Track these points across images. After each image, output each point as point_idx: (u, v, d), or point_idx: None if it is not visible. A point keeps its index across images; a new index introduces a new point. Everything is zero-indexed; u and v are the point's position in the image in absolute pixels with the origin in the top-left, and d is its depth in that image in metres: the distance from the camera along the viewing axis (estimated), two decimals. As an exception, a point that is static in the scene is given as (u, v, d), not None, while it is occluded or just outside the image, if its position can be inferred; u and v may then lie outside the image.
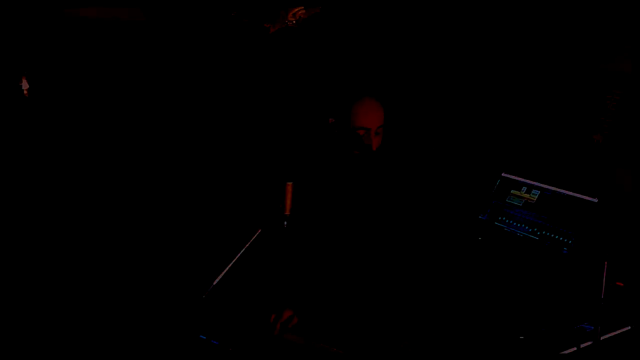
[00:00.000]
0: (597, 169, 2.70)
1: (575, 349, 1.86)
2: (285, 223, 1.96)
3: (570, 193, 2.69)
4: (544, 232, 2.69)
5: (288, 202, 1.95)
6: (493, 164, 3.05)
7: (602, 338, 1.68)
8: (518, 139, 3.06)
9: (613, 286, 2.22)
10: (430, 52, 3.43)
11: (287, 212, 1.96)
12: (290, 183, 1.94)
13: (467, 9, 3.26)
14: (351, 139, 2.29)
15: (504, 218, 2.85)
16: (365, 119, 2.30)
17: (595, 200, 2.60)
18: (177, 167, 3.26)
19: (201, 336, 1.90)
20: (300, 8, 3.24)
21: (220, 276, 1.87)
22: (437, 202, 2.44)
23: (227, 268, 1.88)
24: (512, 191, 2.89)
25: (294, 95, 3.62)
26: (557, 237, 2.64)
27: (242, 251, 1.90)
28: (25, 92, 2.84)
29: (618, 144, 2.63)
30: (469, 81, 3.32)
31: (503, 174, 2.96)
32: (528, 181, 2.85)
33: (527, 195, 2.82)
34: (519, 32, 3.06)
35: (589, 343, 1.86)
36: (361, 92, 2.39)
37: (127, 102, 3.13)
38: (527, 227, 2.76)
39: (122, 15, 3.06)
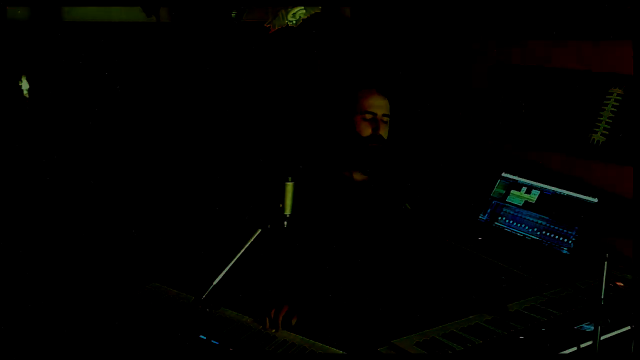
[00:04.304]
0: (597, 169, 2.70)
1: (575, 349, 1.86)
2: (285, 223, 1.96)
3: (570, 193, 2.69)
4: (544, 232, 2.69)
5: (288, 202, 1.95)
6: (493, 164, 3.05)
7: (602, 338, 1.68)
8: (518, 138, 3.06)
9: (613, 286, 2.22)
10: (428, 53, 3.43)
11: (287, 212, 1.95)
12: (290, 183, 1.94)
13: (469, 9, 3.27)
14: (357, 126, 2.28)
15: (504, 218, 2.85)
16: (373, 103, 2.30)
17: (595, 200, 2.60)
18: (177, 167, 3.26)
19: (201, 336, 1.89)
20: (300, 8, 3.24)
21: (220, 276, 1.87)
22: (437, 202, 2.45)
23: (227, 268, 1.88)
24: (512, 191, 2.89)
25: (294, 95, 3.62)
26: (557, 237, 2.64)
27: (242, 251, 1.90)
28: (25, 92, 2.84)
29: (618, 144, 2.63)
30: (468, 81, 3.32)
31: (503, 174, 2.96)
32: (528, 181, 2.85)
33: (527, 195, 2.83)
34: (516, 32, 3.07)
35: (589, 343, 1.86)
36: (365, 83, 2.39)
37: (127, 102, 3.13)
38: (527, 227, 2.76)
39: (121, 15, 3.06)
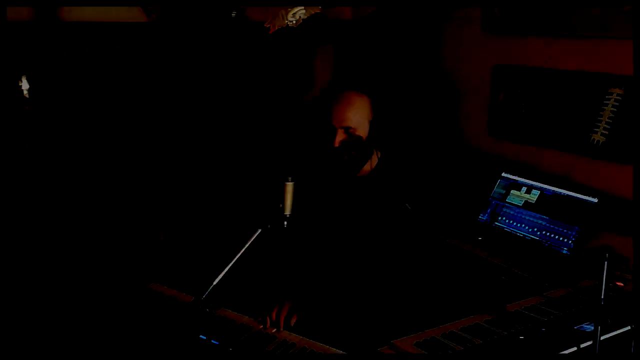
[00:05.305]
0: (597, 168, 2.70)
1: (575, 349, 1.86)
2: (285, 223, 1.96)
3: (570, 193, 2.69)
4: (544, 232, 2.69)
5: (288, 202, 1.95)
6: (493, 164, 3.05)
7: (602, 338, 1.68)
8: (518, 138, 3.06)
9: (613, 286, 2.22)
10: (428, 52, 3.43)
11: (287, 212, 1.96)
12: (290, 183, 1.94)
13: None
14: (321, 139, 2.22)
15: (504, 218, 2.85)
16: (334, 114, 2.20)
17: (595, 200, 2.60)
18: (177, 167, 3.26)
19: (201, 336, 1.90)
20: (300, 8, 3.24)
21: (220, 276, 1.87)
22: (438, 202, 2.44)
23: (227, 268, 1.88)
24: (512, 191, 2.89)
25: (293, 95, 3.62)
26: (557, 237, 2.64)
27: (242, 251, 1.90)
28: (25, 92, 2.84)
29: (618, 144, 2.63)
30: (468, 81, 3.32)
31: (503, 174, 2.96)
32: (528, 181, 2.85)
33: (527, 195, 2.83)
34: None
35: (589, 343, 1.86)
36: (349, 85, 2.29)
37: (128, 102, 3.13)
38: (527, 227, 2.76)
39: (120, 15, 3.06)
